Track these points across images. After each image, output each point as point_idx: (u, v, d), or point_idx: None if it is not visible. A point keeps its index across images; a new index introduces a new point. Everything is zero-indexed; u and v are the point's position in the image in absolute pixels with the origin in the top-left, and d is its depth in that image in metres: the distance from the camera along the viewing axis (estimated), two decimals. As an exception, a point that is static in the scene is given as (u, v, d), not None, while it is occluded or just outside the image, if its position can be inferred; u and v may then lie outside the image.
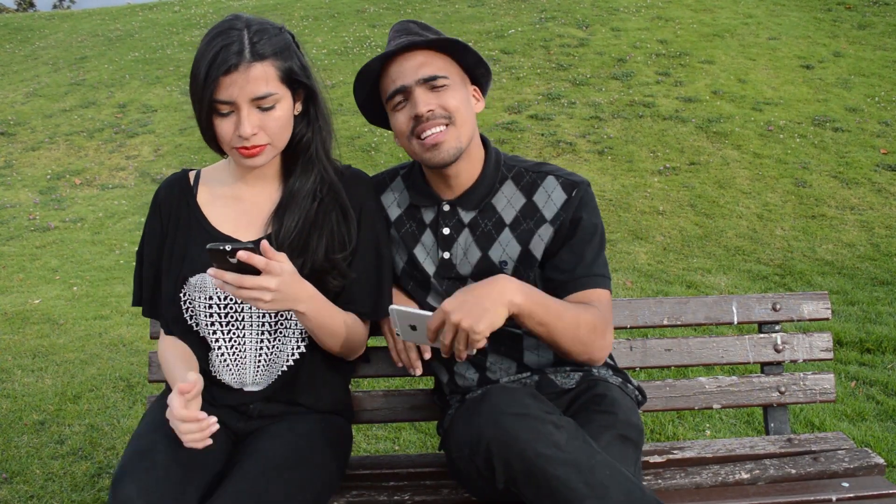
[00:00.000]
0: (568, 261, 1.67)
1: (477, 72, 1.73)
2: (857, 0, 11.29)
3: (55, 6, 50.66)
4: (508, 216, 1.72)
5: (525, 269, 1.71)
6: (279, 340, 1.68)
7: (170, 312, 1.69)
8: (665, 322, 2.07)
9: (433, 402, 1.99)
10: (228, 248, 1.34)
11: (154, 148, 9.08)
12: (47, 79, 11.69)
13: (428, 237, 1.76)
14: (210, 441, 1.46)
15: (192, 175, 1.77)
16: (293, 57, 1.59)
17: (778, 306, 2.10)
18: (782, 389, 2.07)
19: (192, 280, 1.65)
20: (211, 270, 1.40)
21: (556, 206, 1.70)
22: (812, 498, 1.74)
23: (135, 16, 15.30)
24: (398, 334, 1.55)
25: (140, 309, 1.85)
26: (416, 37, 1.66)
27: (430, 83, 1.64)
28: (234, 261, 1.37)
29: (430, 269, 1.76)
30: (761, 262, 5.79)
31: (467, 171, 1.73)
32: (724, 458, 1.91)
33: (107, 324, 4.80)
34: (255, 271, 1.40)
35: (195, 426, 1.43)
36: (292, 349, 1.69)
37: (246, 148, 1.57)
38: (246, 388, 1.70)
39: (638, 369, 2.20)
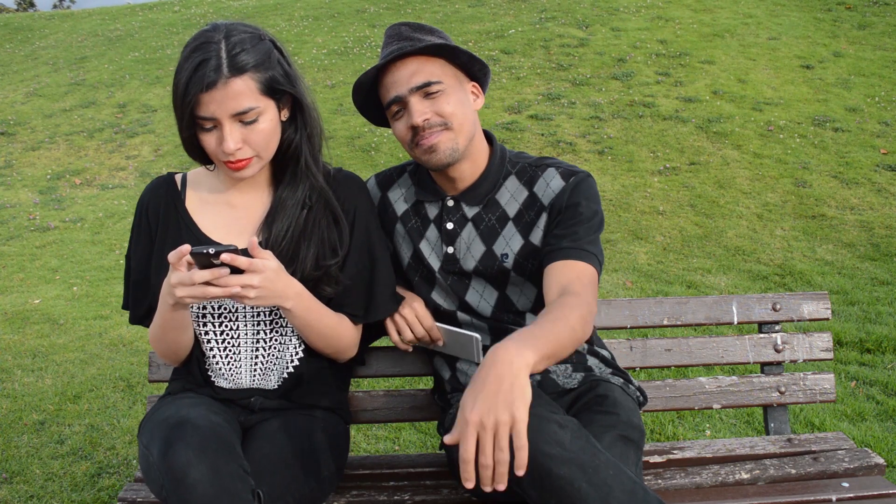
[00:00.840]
0: (559, 235, 1.66)
1: (473, 68, 1.73)
2: (857, 0, 11.29)
3: (55, 6, 50.67)
4: (512, 210, 1.74)
5: (526, 260, 1.71)
6: (276, 341, 1.68)
7: None
8: (665, 322, 2.07)
9: (433, 402, 1.99)
10: (212, 251, 1.37)
11: (154, 148, 9.08)
12: (47, 79, 11.69)
13: (432, 232, 1.77)
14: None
15: (178, 179, 1.74)
16: (275, 65, 1.56)
17: (778, 306, 2.10)
18: (782, 389, 2.07)
19: None
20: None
21: (553, 192, 1.71)
22: (812, 498, 1.74)
23: (135, 16, 15.30)
24: (441, 345, 1.76)
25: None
26: (407, 42, 1.65)
27: (423, 90, 1.64)
28: (217, 262, 1.40)
29: (434, 264, 1.77)
30: (761, 262, 5.79)
31: (470, 169, 1.74)
32: (724, 458, 1.91)
33: (107, 324, 4.80)
34: (241, 273, 1.43)
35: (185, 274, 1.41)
36: (294, 349, 1.70)
37: (232, 162, 1.56)
38: (254, 387, 1.70)
39: (638, 369, 2.20)
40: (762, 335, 2.09)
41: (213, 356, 1.68)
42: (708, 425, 3.19)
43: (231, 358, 1.68)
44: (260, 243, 1.62)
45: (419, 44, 1.64)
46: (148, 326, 1.70)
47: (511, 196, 1.74)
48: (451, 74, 1.69)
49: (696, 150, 7.77)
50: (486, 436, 1.21)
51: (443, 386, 1.87)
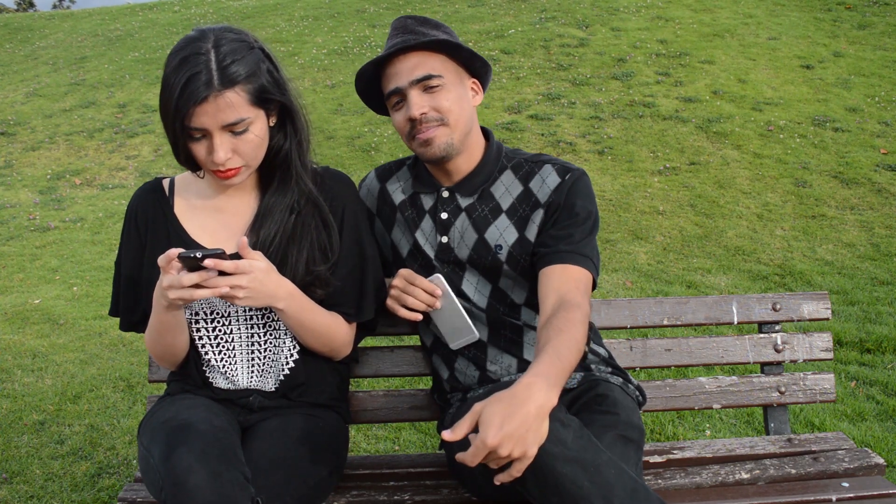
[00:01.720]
0: (555, 237, 1.68)
1: (475, 65, 1.75)
2: (857, 0, 11.28)
3: (55, 6, 50.65)
4: (505, 203, 1.76)
5: (519, 254, 1.73)
6: (271, 343, 1.68)
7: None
8: (665, 322, 2.07)
9: (433, 402, 1.99)
10: (199, 255, 1.38)
11: (154, 148, 9.08)
12: (47, 79, 11.69)
13: (427, 223, 1.80)
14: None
15: (165, 184, 1.74)
16: (264, 74, 1.55)
17: (778, 306, 2.10)
18: (782, 389, 2.07)
19: None
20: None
21: (550, 188, 1.73)
22: (812, 498, 1.74)
23: (135, 16, 15.30)
24: (440, 306, 1.74)
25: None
26: (411, 35, 1.68)
27: (423, 83, 1.67)
28: (205, 266, 1.42)
29: (430, 253, 1.80)
30: (761, 262, 5.79)
31: (466, 162, 1.77)
32: (724, 458, 1.91)
33: (107, 324, 4.80)
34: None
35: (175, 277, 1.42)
36: (289, 351, 1.70)
37: (221, 171, 1.56)
38: (252, 388, 1.70)
39: (638, 369, 2.20)
40: (762, 335, 2.09)
41: (209, 359, 1.68)
42: (708, 425, 3.19)
43: (227, 360, 1.68)
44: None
45: (423, 38, 1.66)
46: (141, 332, 1.71)
47: (506, 189, 1.77)
48: (452, 70, 1.71)
49: (696, 150, 7.77)
50: (496, 460, 1.28)
51: (442, 385, 1.87)
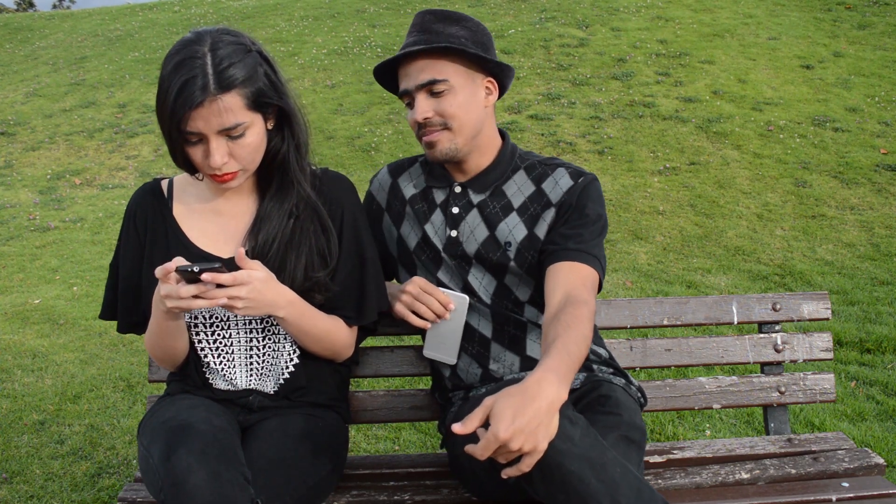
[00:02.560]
0: (564, 235, 1.71)
1: (488, 65, 1.74)
2: (857, 0, 11.28)
3: (55, 6, 50.65)
4: (517, 201, 1.78)
5: (528, 251, 1.74)
6: (270, 348, 1.68)
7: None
8: (665, 322, 2.07)
9: (433, 402, 1.99)
10: (197, 269, 1.38)
11: (154, 148, 9.08)
12: (47, 79, 11.69)
13: (437, 216, 1.82)
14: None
15: (164, 185, 1.73)
16: (261, 78, 1.53)
17: (778, 306, 2.10)
18: (782, 389, 2.07)
19: None
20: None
21: (562, 190, 1.75)
22: (812, 498, 1.74)
23: (135, 16, 15.30)
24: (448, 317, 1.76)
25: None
26: (425, 36, 1.69)
27: (428, 88, 1.68)
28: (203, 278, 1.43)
29: (438, 245, 1.81)
30: (761, 262, 5.79)
31: (479, 159, 1.80)
32: (724, 458, 1.91)
33: (107, 324, 4.80)
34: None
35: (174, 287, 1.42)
36: (289, 355, 1.69)
37: (217, 175, 1.55)
38: (252, 388, 1.70)
39: (638, 369, 2.20)
40: (762, 335, 2.09)
41: (208, 362, 1.68)
42: (708, 425, 3.19)
43: (226, 364, 1.68)
44: (246, 252, 1.60)
45: (434, 39, 1.67)
46: (140, 333, 1.70)
47: (518, 188, 1.79)
48: (462, 72, 1.70)
49: (696, 150, 7.77)
50: (506, 454, 1.28)
51: (443, 383, 1.88)
